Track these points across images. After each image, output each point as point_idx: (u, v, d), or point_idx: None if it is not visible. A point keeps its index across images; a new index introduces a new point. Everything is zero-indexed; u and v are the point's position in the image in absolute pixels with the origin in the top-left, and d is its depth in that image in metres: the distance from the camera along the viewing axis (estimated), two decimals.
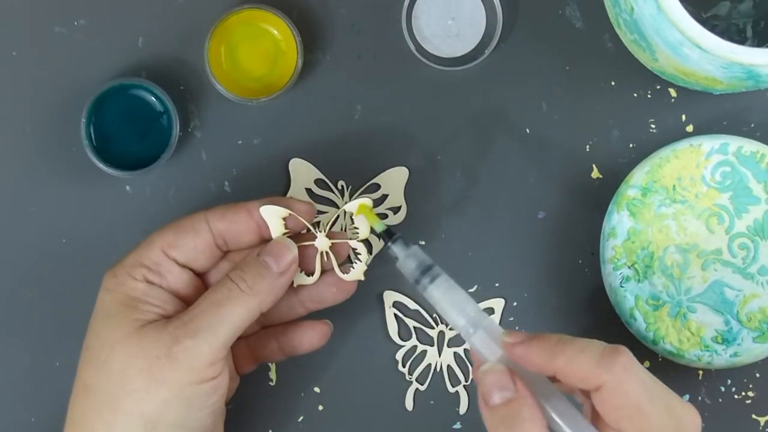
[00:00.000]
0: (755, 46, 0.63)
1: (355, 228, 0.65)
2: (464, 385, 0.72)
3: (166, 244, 0.62)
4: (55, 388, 0.71)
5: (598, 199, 0.71)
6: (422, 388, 0.72)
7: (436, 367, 0.72)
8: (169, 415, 0.59)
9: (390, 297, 0.72)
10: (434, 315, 0.72)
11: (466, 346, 0.72)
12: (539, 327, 0.72)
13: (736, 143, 0.69)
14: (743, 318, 0.69)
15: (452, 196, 0.72)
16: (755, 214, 0.69)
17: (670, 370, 0.71)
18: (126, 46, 0.71)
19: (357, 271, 0.65)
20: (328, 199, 0.72)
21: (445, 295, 0.60)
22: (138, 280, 0.61)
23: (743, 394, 0.72)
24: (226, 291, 0.61)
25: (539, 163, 0.72)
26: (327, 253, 0.65)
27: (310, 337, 0.66)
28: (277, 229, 0.64)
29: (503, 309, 0.72)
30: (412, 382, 0.72)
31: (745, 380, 0.72)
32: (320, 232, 0.65)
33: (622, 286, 0.69)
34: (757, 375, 0.72)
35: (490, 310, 0.72)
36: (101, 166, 0.69)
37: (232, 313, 0.60)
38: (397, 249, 0.62)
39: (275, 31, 0.70)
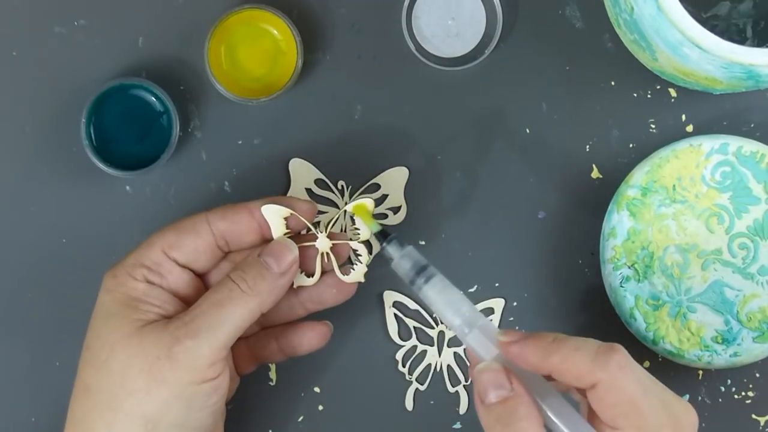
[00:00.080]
0: (755, 46, 0.63)
1: (356, 228, 0.65)
2: (464, 385, 0.72)
3: (166, 244, 0.62)
4: (55, 388, 0.71)
5: (598, 199, 0.71)
6: (422, 388, 0.72)
7: (436, 367, 0.72)
8: (170, 415, 0.59)
9: (390, 297, 0.72)
10: (434, 315, 0.72)
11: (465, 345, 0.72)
12: (539, 327, 0.72)
13: (736, 143, 0.69)
14: (743, 318, 0.69)
15: (452, 196, 0.72)
16: (755, 214, 0.70)
17: (670, 370, 0.71)
18: (126, 46, 0.71)
19: (357, 273, 0.65)
20: (328, 199, 0.72)
21: (441, 295, 0.60)
22: (138, 281, 0.61)
23: (743, 394, 0.72)
24: (227, 291, 0.61)
25: (539, 163, 0.72)
26: (327, 254, 0.65)
27: (310, 338, 0.66)
28: (278, 228, 0.64)
29: (503, 309, 0.72)
30: (412, 382, 0.72)
31: (745, 380, 0.72)
32: (321, 232, 0.65)
33: (622, 286, 0.69)
34: (757, 375, 0.72)
35: (490, 310, 0.72)
36: (101, 166, 0.69)
37: (232, 314, 0.60)
38: (391, 249, 0.62)
39: (275, 31, 0.71)
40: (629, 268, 0.69)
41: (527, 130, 0.72)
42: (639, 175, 0.69)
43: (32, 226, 0.71)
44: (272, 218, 0.63)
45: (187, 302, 0.62)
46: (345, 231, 0.71)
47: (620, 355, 0.55)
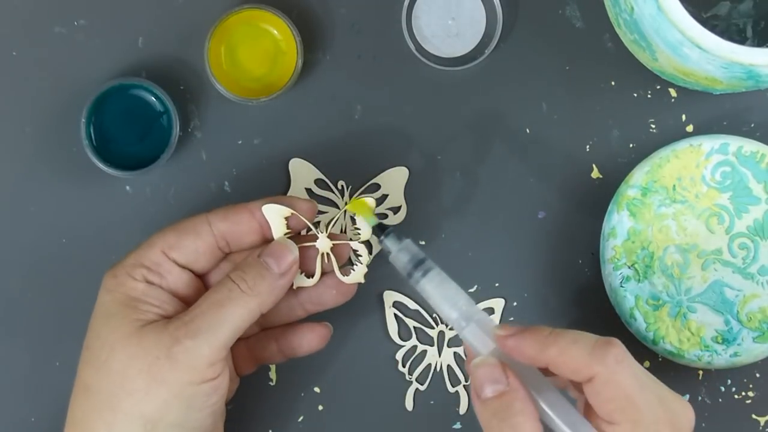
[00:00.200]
0: (755, 46, 0.63)
1: (357, 229, 0.65)
2: (464, 385, 0.72)
3: (166, 245, 0.62)
4: (55, 388, 0.71)
5: (598, 199, 0.71)
6: (422, 388, 0.72)
7: (436, 367, 0.72)
8: (169, 415, 0.59)
9: (390, 297, 0.72)
10: (434, 315, 0.72)
11: None
12: None
13: (736, 143, 0.69)
14: (743, 318, 0.69)
15: (452, 196, 0.72)
16: (755, 214, 0.70)
17: (670, 370, 0.71)
18: (126, 46, 0.71)
19: (357, 274, 0.65)
20: (328, 199, 0.72)
21: (438, 289, 0.60)
22: (138, 281, 0.61)
23: (743, 394, 0.72)
24: (227, 291, 0.61)
25: (539, 163, 0.72)
26: (327, 254, 0.65)
27: (310, 340, 0.66)
28: (278, 228, 0.64)
29: (503, 309, 0.72)
30: (412, 382, 0.72)
31: (745, 380, 0.72)
32: (321, 233, 0.65)
33: (622, 286, 0.69)
34: (757, 375, 0.72)
35: (490, 310, 0.72)
36: (101, 166, 0.69)
37: (232, 314, 0.60)
38: (389, 242, 0.62)
39: (275, 31, 0.70)
40: (629, 268, 0.69)
41: (527, 130, 0.72)
42: (639, 175, 0.69)
43: (32, 226, 0.71)
44: (273, 218, 0.63)
45: (186, 302, 0.62)
46: (345, 231, 0.71)
47: (618, 349, 0.56)
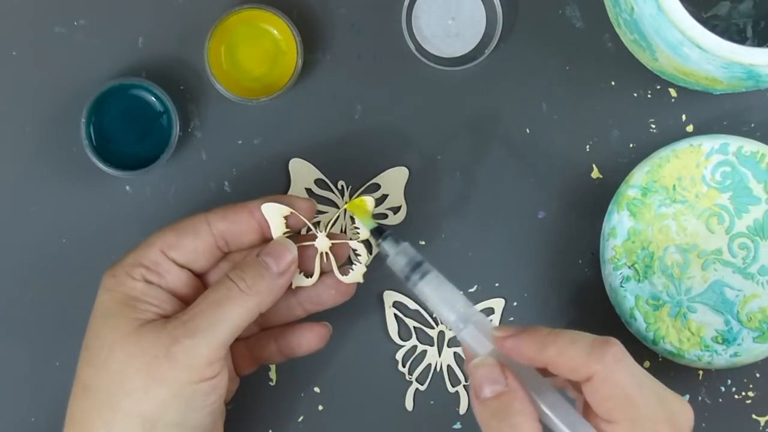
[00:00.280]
0: (755, 46, 0.63)
1: (356, 228, 0.65)
2: (464, 385, 0.72)
3: (165, 244, 0.62)
4: (55, 388, 0.71)
5: (598, 199, 0.71)
6: (422, 388, 0.72)
7: (436, 367, 0.72)
8: (168, 414, 0.59)
9: (390, 297, 0.72)
10: (434, 315, 0.72)
11: None
12: None
13: (736, 143, 0.69)
14: (743, 318, 0.69)
15: (452, 196, 0.72)
16: (755, 214, 0.69)
17: (670, 370, 0.71)
18: (126, 46, 0.71)
19: (356, 273, 0.65)
20: (328, 199, 0.72)
21: (435, 292, 0.60)
22: (137, 280, 0.61)
23: (743, 394, 0.72)
24: (225, 290, 0.61)
25: (539, 163, 0.72)
26: (326, 254, 0.65)
27: (309, 339, 0.66)
28: (277, 227, 0.64)
29: (503, 309, 0.72)
30: (412, 382, 0.72)
31: (745, 380, 0.72)
32: (320, 232, 0.65)
33: (622, 286, 0.69)
34: (757, 375, 0.72)
35: (490, 310, 0.72)
36: (101, 166, 0.69)
37: (231, 313, 0.60)
38: (387, 246, 0.62)
39: (275, 31, 0.70)
40: (629, 268, 0.69)
41: (527, 130, 0.72)
42: (639, 175, 0.69)
43: (32, 226, 0.71)
44: (272, 217, 0.63)
45: (185, 302, 0.62)
46: (345, 231, 0.71)
47: (616, 348, 0.56)
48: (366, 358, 0.72)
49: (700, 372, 0.72)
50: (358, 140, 0.72)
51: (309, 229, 0.65)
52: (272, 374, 0.72)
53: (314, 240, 0.65)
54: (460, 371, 0.72)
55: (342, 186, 0.72)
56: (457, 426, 0.72)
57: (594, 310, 0.72)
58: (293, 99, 0.72)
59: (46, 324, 0.71)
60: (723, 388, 0.72)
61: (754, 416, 0.72)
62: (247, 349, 0.67)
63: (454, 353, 0.72)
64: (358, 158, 0.72)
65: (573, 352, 0.56)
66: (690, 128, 0.72)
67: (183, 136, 0.71)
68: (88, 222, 0.71)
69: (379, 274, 0.70)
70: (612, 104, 0.72)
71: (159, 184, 0.72)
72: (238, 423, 0.71)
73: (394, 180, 0.72)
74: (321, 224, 0.66)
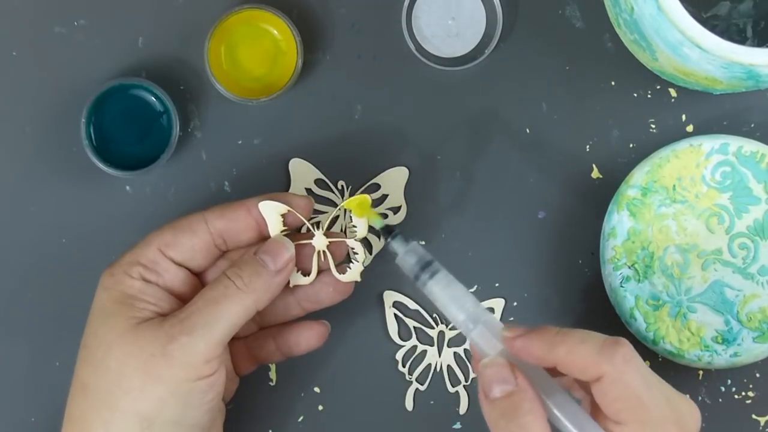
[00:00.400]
0: (755, 46, 0.63)
1: (354, 227, 0.65)
2: (464, 385, 0.72)
3: (163, 243, 0.62)
4: (54, 388, 0.71)
5: (598, 199, 0.71)
6: (422, 388, 0.72)
7: (436, 367, 0.72)
8: (166, 412, 0.59)
9: (390, 297, 0.72)
10: (434, 315, 0.72)
11: (466, 346, 0.72)
12: None
13: (736, 143, 0.69)
14: (743, 318, 0.69)
15: (452, 196, 0.72)
16: (755, 214, 0.69)
17: (670, 370, 0.71)
18: (126, 46, 0.71)
19: (353, 272, 0.65)
20: (328, 199, 0.72)
21: (445, 291, 0.60)
22: (134, 278, 0.61)
23: (743, 394, 0.72)
24: (223, 288, 0.61)
25: (539, 163, 0.72)
26: (324, 252, 0.65)
27: (308, 338, 0.66)
28: (275, 225, 0.64)
29: (503, 309, 0.72)
30: (412, 382, 0.72)
31: (745, 380, 0.72)
32: (318, 230, 0.65)
33: (622, 286, 0.69)
34: (757, 375, 0.72)
35: (490, 310, 0.72)
36: (101, 166, 0.69)
37: (228, 311, 0.60)
38: (396, 245, 0.62)
39: (275, 31, 0.71)
40: (629, 268, 0.69)
41: (527, 130, 0.72)
42: (639, 175, 0.69)
43: (32, 226, 0.71)
44: (269, 215, 0.63)
45: (183, 300, 0.62)
46: (345, 231, 0.71)
47: (626, 348, 0.56)
48: (366, 358, 0.72)
49: (700, 372, 0.72)
50: (358, 140, 0.72)
51: (308, 228, 0.65)
52: (272, 374, 0.72)
53: (312, 238, 0.65)
54: (460, 371, 0.72)
55: (342, 186, 0.72)
56: (457, 426, 0.72)
57: (594, 310, 0.72)
58: (293, 99, 0.72)
59: (46, 324, 0.71)
60: (723, 388, 0.72)
61: (754, 416, 0.72)
62: (246, 348, 0.67)
63: (454, 353, 0.72)
64: (358, 158, 0.72)
65: (583, 352, 0.56)
66: (690, 128, 0.72)
67: (183, 136, 0.71)
68: (88, 222, 0.71)
69: (379, 274, 0.70)
70: (612, 104, 0.72)
71: (159, 184, 0.72)
72: (238, 423, 0.71)
73: (394, 180, 0.72)
74: (320, 224, 0.66)
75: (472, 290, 0.72)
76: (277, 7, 0.70)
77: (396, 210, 0.72)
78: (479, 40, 0.71)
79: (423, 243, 0.72)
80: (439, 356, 0.72)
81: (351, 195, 0.72)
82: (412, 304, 0.72)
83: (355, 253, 0.65)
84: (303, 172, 0.72)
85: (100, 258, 0.69)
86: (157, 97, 0.69)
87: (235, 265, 0.62)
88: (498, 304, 0.72)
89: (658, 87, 0.72)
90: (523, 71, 0.72)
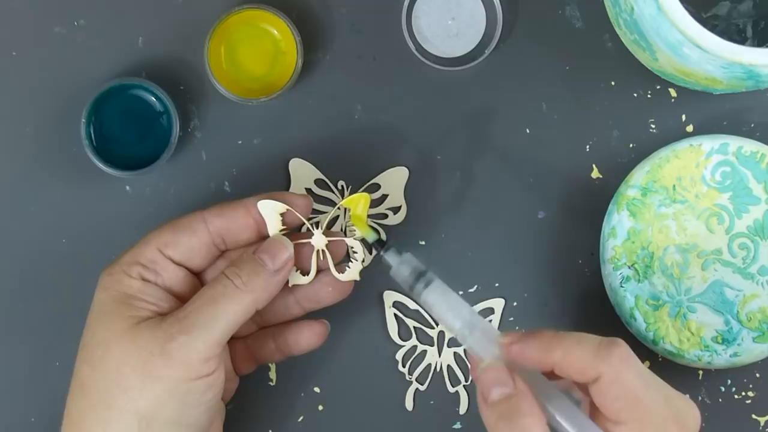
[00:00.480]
0: (755, 46, 0.63)
1: (353, 226, 0.65)
2: (464, 385, 0.72)
3: (162, 242, 0.62)
4: (54, 388, 0.71)
5: (598, 199, 0.71)
6: (422, 388, 0.72)
7: (436, 367, 0.72)
8: (164, 411, 0.59)
9: (390, 297, 0.72)
10: (439, 323, 0.72)
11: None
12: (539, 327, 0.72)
13: (736, 143, 0.69)
14: (743, 318, 0.69)
15: (452, 196, 0.72)
16: (755, 214, 0.69)
17: (670, 370, 0.71)
18: (126, 46, 0.71)
19: (352, 271, 0.65)
20: (328, 199, 0.72)
21: (440, 300, 0.60)
22: (133, 278, 0.61)
23: (743, 394, 0.72)
24: (221, 288, 0.61)
25: (539, 163, 0.72)
26: (323, 251, 0.65)
27: (307, 337, 0.66)
28: (274, 224, 0.64)
29: (503, 309, 0.72)
30: (412, 382, 0.72)
31: (745, 380, 0.72)
32: (317, 229, 0.65)
33: (622, 286, 0.69)
34: (757, 375, 0.72)
35: (490, 310, 0.72)
36: (101, 166, 0.69)
37: (226, 310, 0.60)
38: (389, 257, 0.62)
39: (275, 31, 0.71)
40: (629, 268, 0.69)
41: (527, 130, 0.72)
42: (639, 175, 0.69)
43: (32, 226, 0.71)
44: (268, 214, 0.63)
45: (182, 300, 0.62)
46: (344, 230, 0.71)
47: (622, 348, 0.56)
48: (366, 358, 0.72)
49: (700, 372, 0.72)
50: (358, 140, 0.72)
51: (308, 228, 0.65)
52: (272, 374, 0.72)
53: (311, 237, 0.65)
54: (460, 371, 0.72)
55: (342, 186, 0.72)
56: (457, 426, 0.72)
57: (594, 310, 0.72)
58: (293, 99, 0.72)
59: (46, 324, 0.71)
60: (723, 388, 0.72)
61: (754, 416, 0.72)
62: (246, 348, 0.67)
63: (454, 353, 0.72)
64: (358, 158, 0.72)
65: (579, 354, 0.56)
66: (690, 128, 0.72)
67: (183, 136, 0.71)
68: (88, 222, 0.71)
69: (379, 274, 0.70)
70: (612, 104, 0.72)
71: (159, 184, 0.72)
72: (238, 423, 0.71)
73: (394, 180, 0.72)
74: (320, 224, 0.66)
75: (472, 290, 0.72)
76: (277, 7, 0.70)
77: (396, 210, 0.72)
78: (479, 40, 0.71)
79: (423, 243, 0.72)
80: (439, 356, 0.72)
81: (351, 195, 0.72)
82: (412, 304, 0.72)
83: (355, 253, 0.65)
84: (303, 172, 0.72)
85: (100, 258, 0.69)
86: (157, 97, 0.70)
87: (233, 264, 0.62)
88: (498, 304, 0.72)
89: (658, 87, 0.72)
90: (523, 71, 0.72)
